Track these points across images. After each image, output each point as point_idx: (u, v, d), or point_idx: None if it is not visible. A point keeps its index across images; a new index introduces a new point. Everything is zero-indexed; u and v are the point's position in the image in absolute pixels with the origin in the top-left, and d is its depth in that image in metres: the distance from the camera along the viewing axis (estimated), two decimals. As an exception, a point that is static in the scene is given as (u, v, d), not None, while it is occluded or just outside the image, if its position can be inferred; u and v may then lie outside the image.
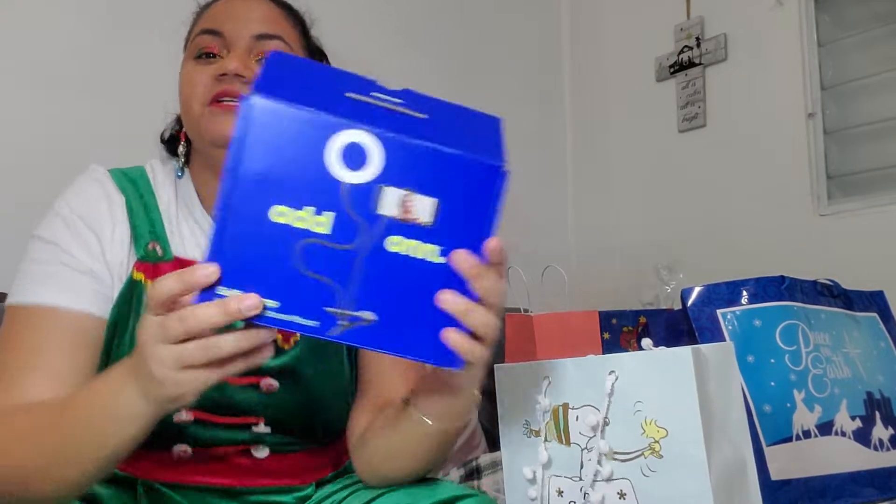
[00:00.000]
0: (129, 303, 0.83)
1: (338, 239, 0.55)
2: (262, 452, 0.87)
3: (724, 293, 1.02)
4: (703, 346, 0.72)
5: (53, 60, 1.42)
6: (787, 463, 0.94)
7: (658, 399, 0.70)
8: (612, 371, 0.73)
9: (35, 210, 0.83)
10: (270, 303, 0.55)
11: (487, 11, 2.08)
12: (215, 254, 0.54)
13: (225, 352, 0.57)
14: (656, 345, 0.74)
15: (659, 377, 0.70)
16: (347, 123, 0.53)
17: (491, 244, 0.58)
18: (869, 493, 0.98)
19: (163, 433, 0.83)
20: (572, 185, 2.27)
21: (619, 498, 0.72)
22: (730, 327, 0.99)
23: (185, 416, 0.83)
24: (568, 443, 0.76)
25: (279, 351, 0.83)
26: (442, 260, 0.56)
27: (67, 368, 0.77)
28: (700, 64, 1.96)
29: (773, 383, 0.97)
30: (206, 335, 0.56)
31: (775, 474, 0.93)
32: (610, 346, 1.29)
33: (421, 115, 0.57)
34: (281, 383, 0.86)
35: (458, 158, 0.55)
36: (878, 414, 1.03)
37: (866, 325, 1.12)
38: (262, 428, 0.86)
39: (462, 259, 0.57)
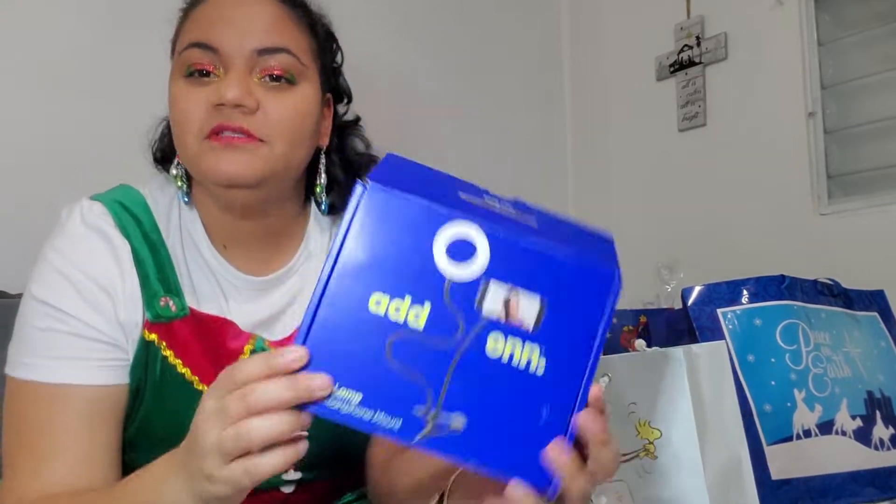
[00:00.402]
0: (145, 367, 0.77)
1: (434, 335, 0.51)
2: (289, 488, 0.85)
3: (724, 292, 1.02)
4: (694, 346, 0.72)
5: (53, 60, 1.42)
6: (788, 462, 0.94)
7: (651, 400, 0.70)
8: (605, 374, 0.73)
9: (34, 210, 0.81)
10: (355, 396, 0.51)
11: (487, 11, 2.08)
12: (305, 338, 0.51)
13: (258, 435, 0.50)
14: (658, 344, 0.74)
15: (651, 378, 0.70)
16: (459, 215, 0.52)
17: (593, 393, 0.53)
18: (869, 492, 0.98)
19: None
20: (572, 184, 2.26)
21: (617, 500, 0.72)
22: (730, 326, 0.99)
23: None
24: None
25: None
26: (542, 370, 0.52)
27: (89, 448, 0.72)
28: (700, 63, 1.96)
29: (773, 383, 0.97)
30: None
31: (776, 474, 0.93)
32: (610, 346, 1.29)
33: (532, 224, 0.55)
34: (310, 432, 0.82)
35: (569, 261, 0.53)
36: (878, 413, 1.03)
37: (867, 324, 1.12)
38: (291, 475, 0.83)
39: (588, 425, 0.52)
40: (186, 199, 0.83)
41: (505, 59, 2.11)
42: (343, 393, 0.51)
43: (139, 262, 0.77)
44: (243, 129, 0.74)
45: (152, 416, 0.78)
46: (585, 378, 0.53)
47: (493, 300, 0.52)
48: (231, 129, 0.74)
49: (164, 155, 0.88)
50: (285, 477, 0.84)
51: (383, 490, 0.83)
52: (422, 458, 0.71)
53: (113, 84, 1.48)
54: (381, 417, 0.51)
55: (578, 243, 0.55)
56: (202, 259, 0.82)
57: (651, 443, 0.70)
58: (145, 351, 0.77)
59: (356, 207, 0.51)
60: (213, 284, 0.82)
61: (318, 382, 0.50)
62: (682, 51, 2.00)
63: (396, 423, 0.51)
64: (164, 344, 0.77)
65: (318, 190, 0.87)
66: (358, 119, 0.96)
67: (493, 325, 0.52)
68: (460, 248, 0.51)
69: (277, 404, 0.50)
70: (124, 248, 0.77)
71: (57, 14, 1.44)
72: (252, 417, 0.50)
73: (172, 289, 0.78)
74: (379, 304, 0.51)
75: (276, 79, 0.77)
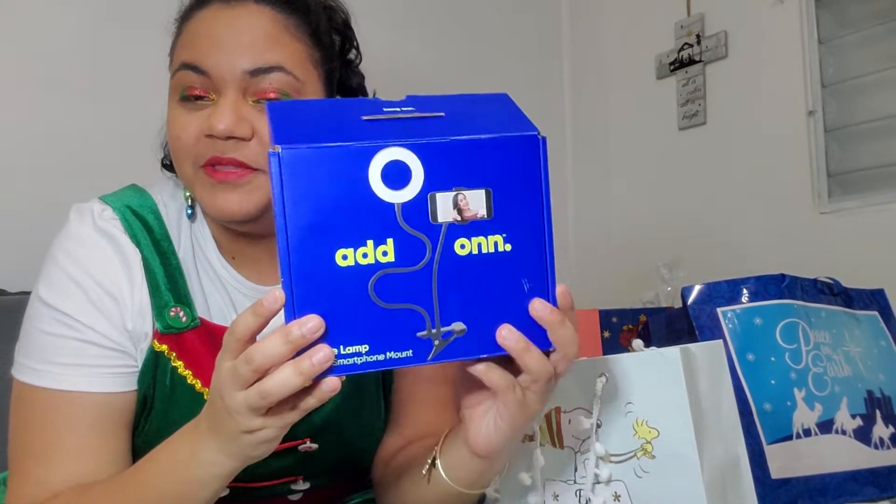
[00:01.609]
0: (154, 378, 0.76)
1: (406, 262, 0.53)
2: (296, 496, 0.85)
3: (724, 291, 1.02)
4: (692, 346, 0.72)
5: (53, 59, 1.42)
6: (788, 461, 0.94)
7: (649, 400, 0.70)
8: (602, 374, 0.73)
9: (35, 209, 0.81)
10: (361, 348, 0.53)
11: (487, 10, 2.08)
12: (290, 315, 0.52)
13: (282, 390, 0.52)
14: (658, 343, 0.74)
15: (649, 378, 0.70)
16: (380, 144, 0.52)
17: (560, 290, 0.56)
18: (869, 491, 0.98)
19: None
20: (572, 182, 2.26)
21: (615, 500, 0.72)
22: (730, 325, 0.99)
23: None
24: (561, 446, 0.76)
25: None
26: (508, 247, 0.55)
27: (97, 454, 0.72)
28: (700, 61, 1.95)
29: (773, 382, 0.97)
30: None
31: (775, 473, 0.92)
32: (610, 345, 1.29)
33: (438, 114, 0.57)
34: (320, 444, 0.81)
35: (494, 141, 0.54)
36: (878, 412, 1.03)
37: (867, 323, 1.11)
38: (300, 485, 0.83)
39: (539, 308, 0.55)
40: (190, 213, 0.81)
41: (504, 57, 2.11)
42: (350, 350, 0.53)
43: (149, 271, 0.76)
44: (236, 160, 0.72)
45: (160, 427, 0.77)
46: (547, 239, 0.56)
47: (444, 207, 0.54)
48: (224, 163, 0.72)
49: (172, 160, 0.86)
50: (294, 487, 0.83)
51: (383, 496, 0.83)
52: (417, 475, 0.71)
53: (113, 83, 1.48)
54: (392, 354, 0.54)
55: (489, 118, 0.57)
56: (212, 269, 0.81)
57: (648, 442, 0.70)
58: (154, 362, 0.76)
59: (280, 178, 0.51)
60: (222, 294, 0.81)
61: (309, 325, 0.51)
62: (682, 49, 2.00)
63: (409, 353, 0.54)
64: (175, 355, 0.76)
65: None
66: None
67: (453, 228, 0.54)
68: (395, 173, 0.53)
69: (279, 357, 0.52)
70: (135, 256, 0.76)
71: (57, 14, 1.43)
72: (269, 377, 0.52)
73: (183, 299, 0.77)
74: (346, 258, 0.52)
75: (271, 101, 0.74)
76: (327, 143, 0.52)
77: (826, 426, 0.97)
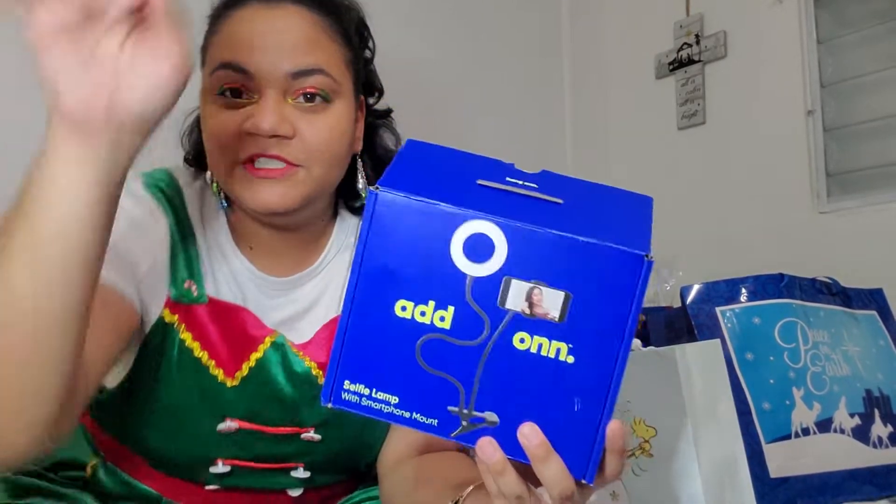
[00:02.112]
0: (162, 351, 0.76)
1: (461, 335, 0.52)
2: (297, 492, 0.85)
3: (723, 291, 1.02)
4: (688, 346, 0.72)
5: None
6: (786, 460, 0.94)
7: (646, 399, 0.71)
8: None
9: None
10: (392, 398, 0.53)
11: (487, 9, 2.08)
12: (339, 347, 0.53)
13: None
14: (656, 343, 0.74)
15: (646, 377, 0.71)
16: (472, 214, 0.51)
17: (612, 428, 0.51)
18: (868, 490, 0.98)
19: (196, 476, 0.81)
20: (572, 182, 2.27)
21: (613, 499, 0.72)
22: (729, 325, 0.99)
23: (221, 467, 0.80)
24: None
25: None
26: (571, 360, 0.51)
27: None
28: (700, 61, 1.95)
29: (772, 381, 0.97)
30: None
31: (774, 472, 0.93)
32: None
33: (556, 200, 0.54)
34: (323, 435, 0.82)
35: (592, 247, 0.50)
36: (877, 411, 1.03)
37: (865, 322, 1.12)
38: (300, 473, 0.83)
39: (527, 434, 0.51)
40: (225, 205, 0.82)
41: (504, 57, 2.11)
42: (381, 395, 0.53)
43: (173, 240, 0.78)
44: (280, 156, 0.73)
45: (167, 398, 0.79)
46: (617, 367, 0.52)
47: (516, 295, 0.51)
48: (267, 157, 0.73)
49: (196, 156, 0.86)
50: (294, 475, 0.83)
51: (395, 490, 0.83)
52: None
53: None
54: (417, 416, 0.53)
55: (605, 221, 0.53)
56: (223, 257, 0.82)
57: (646, 441, 0.71)
58: (163, 332, 0.77)
59: (371, 216, 0.52)
60: (231, 283, 0.82)
61: None
62: (681, 49, 2.00)
63: (433, 422, 0.53)
64: (184, 326, 0.78)
65: (363, 195, 0.85)
66: (389, 111, 0.93)
67: (518, 319, 0.51)
68: (478, 246, 0.51)
69: None
70: (164, 219, 0.78)
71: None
72: None
73: (196, 275, 0.79)
74: (405, 309, 0.52)
75: (311, 98, 0.75)
76: (424, 198, 0.51)
77: (825, 425, 0.98)
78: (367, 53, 0.88)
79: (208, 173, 0.82)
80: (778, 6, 1.80)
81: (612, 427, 0.51)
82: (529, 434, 0.51)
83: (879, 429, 1.02)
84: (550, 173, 0.58)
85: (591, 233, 0.50)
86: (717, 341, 0.81)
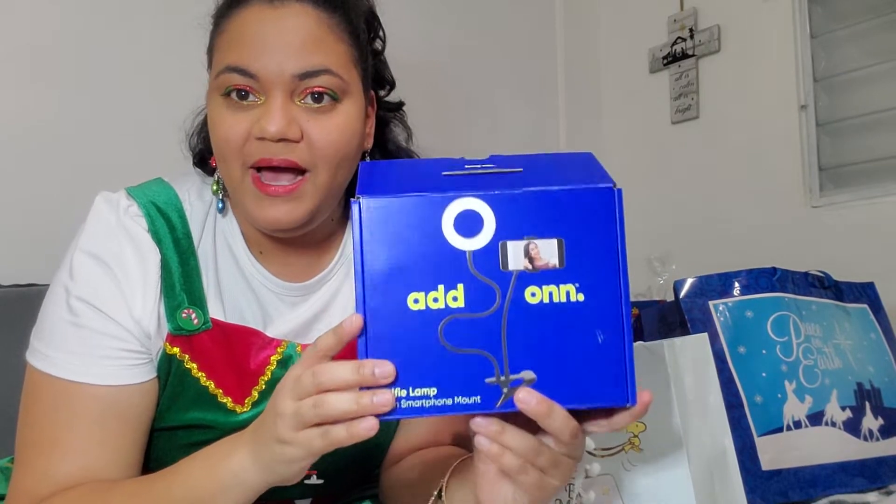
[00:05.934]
0: (167, 379, 0.76)
1: (476, 307, 0.54)
2: (306, 501, 0.85)
3: (716, 284, 1.02)
4: (677, 340, 0.72)
5: (50, 52, 1.41)
6: (778, 453, 0.94)
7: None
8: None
9: (34, 207, 0.80)
10: (430, 391, 0.54)
11: (480, 4, 2.08)
12: (363, 353, 0.54)
13: (335, 408, 0.53)
14: (650, 336, 0.74)
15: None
16: (454, 195, 0.54)
17: (644, 398, 0.55)
18: (859, 482, 0.99)
19: None
20: (565, 176, 2.27)
21: (604, 494, 0.72)
22: (722, 318, 0.99)
23: None
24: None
25: None
26: (582, 297, 0.55)
27: (101, 448, 0.71)
28: (693, 55, 1.96)
29: (764, 374, 0.97)
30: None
31: (766, 464, 0.93)
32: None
33: (516, 170, 0.58)
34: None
35: (568, 193, 0.55)
36: (868, 404, 1.03)
37: (857, 316, 1.12)
38: (314, 480, 0.83)
39: (524, 400, 0.53)
40: (221, 207, 0.81)
41: (498, 51, 2.11)
42: (418, 392, 0.54)
43: (167, 271, 0.76)
44: (288, 160, 0.72)
45: (176, 428, 0.78)
46: (623, 291, 0.55)
47: (515, 255, 0.54)
48: (275, 167, 0.72)
49: (203, 156, 0.84)
50: (308, 482, 0.83)
51: (391, 485, 0.83)
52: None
53: (105, 77, 1.47)
54: (460, 399, 0.54)
55: (566, 174, 0.58)
56: (237, 267, 0.80)
57: (636, 436, 0.71)
58: (168, 364, 0.76)
59: (360, 225, 0.54)
60: (245, 292, 0.80)
61: (381, 399, 0.53)
62: (675, 43, 2.00)
63: (476, 399, 0.54)
64: (187, 357, 0.76)
65: None
66: (401, 104, 0.92)
67: (524, 276, 0.54)
68: (467, 222, 0.54)
69: (341, 414, 0.54)
70: (154, 257, 0.76)
71: (53, 6, 1.42)
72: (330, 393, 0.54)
73: (197, 300, 0.77)
74: (417, 301, 0.54)
75: (319, 98, 0.73)
76: (404, 193, 0.55)
77: (816, 418, 0.98)
78: (378, 44, 0.86)
79: (216, 174, 0.81)
80: (771, 1, 1.80)
81: (646, 397, 0.55)
82: (526, 398, 0.53)
83: (870, 422, 1.03)
84: (500, 155, 0.62)
85: (562, 183, 0.55)
86: (706, 335, 0.81)
